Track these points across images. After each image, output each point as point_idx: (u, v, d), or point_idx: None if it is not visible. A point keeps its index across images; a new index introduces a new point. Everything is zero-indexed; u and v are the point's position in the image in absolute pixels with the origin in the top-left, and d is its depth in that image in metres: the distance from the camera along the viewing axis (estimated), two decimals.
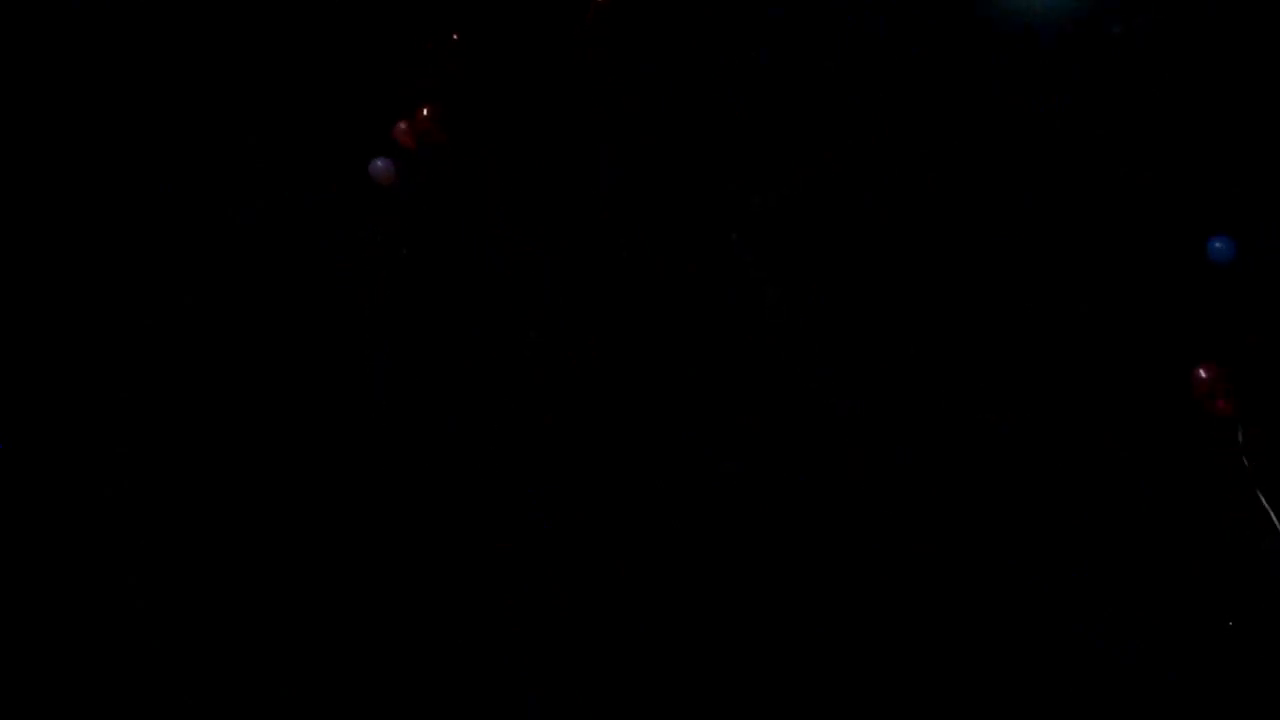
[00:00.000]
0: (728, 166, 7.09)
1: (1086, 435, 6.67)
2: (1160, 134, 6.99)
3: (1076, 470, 6.62)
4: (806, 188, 7.03)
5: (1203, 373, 6.25)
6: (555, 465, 6.72)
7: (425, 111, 7.19)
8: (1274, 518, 6.07)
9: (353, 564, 6.64)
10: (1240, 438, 6.27)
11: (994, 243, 6.99)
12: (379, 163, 6.90)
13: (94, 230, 7.34)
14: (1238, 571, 6.21)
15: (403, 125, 7.16)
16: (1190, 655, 6.19)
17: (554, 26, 7.32)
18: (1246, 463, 6.22)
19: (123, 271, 7.29)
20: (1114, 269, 6.92)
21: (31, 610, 6.66)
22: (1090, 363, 6.81)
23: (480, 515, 6.70)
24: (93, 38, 7.45)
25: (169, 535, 6.83)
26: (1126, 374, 6.73)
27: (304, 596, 6.62)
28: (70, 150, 7.39)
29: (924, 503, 6.65)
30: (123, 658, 6.60)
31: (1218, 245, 6.58)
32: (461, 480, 6.76)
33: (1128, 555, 6.43)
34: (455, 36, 7.49)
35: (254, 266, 7.31)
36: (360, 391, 6.96)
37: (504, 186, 7.17)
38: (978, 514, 6.60)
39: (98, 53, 7.45)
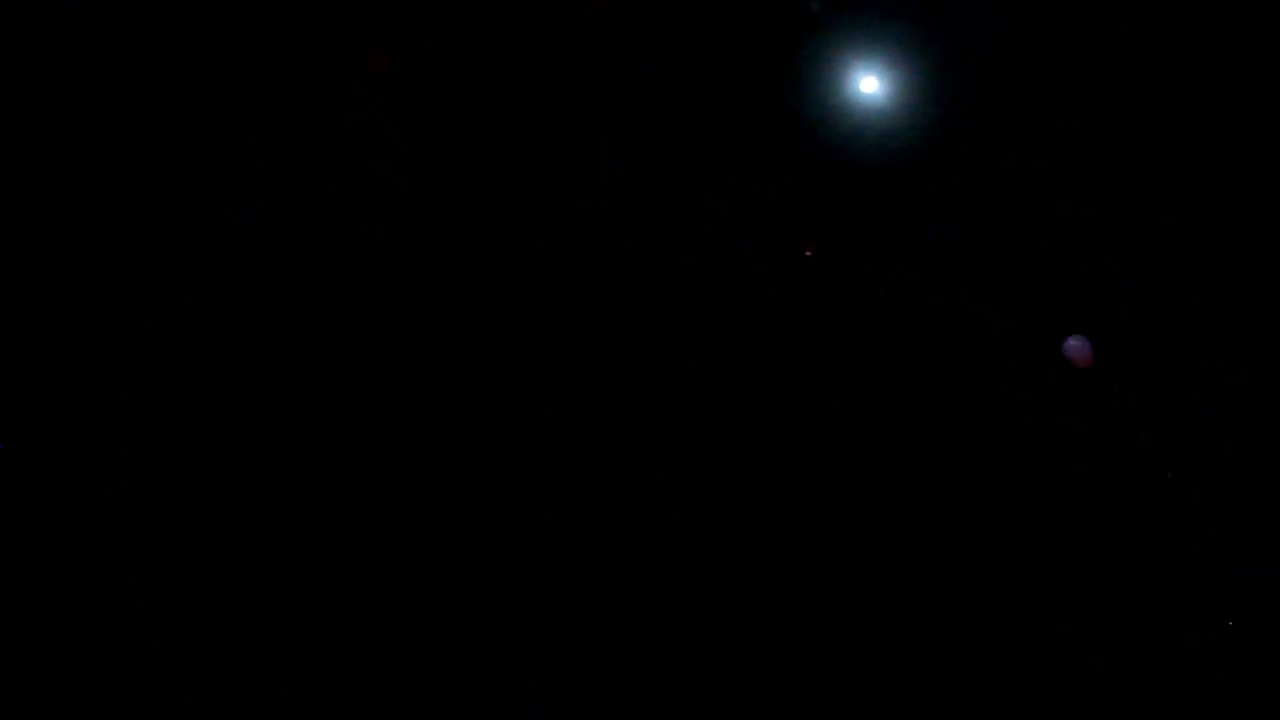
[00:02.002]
0: (728, 157, 7.10)
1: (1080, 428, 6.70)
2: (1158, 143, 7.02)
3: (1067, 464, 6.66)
4: (806, 178, 7.05)
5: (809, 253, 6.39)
6: (555, 456, 6.71)
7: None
8: None
9: (352, 555, 6.63)
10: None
11: (993, 232, 7.00)
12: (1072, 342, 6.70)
13: (94, 230, 7.33)
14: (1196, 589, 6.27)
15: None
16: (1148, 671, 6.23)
17: (554, 18, 7.33)
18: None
19: (123, 271, 7.27)
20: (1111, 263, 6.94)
21: (32, 610, 6.63)
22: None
23: (480, 505, 6.68)
24: (93, 37, 7.46)
25: (169, 535, 6.81)
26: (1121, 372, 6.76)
27: (304, 589, 6.60)
28: (70, 150, 7.39)
29: (925, 496, 6.65)
30: (123, 658, 6.57)
31: None
32: (461, 470, 6.74)
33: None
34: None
35: (254, 266, 7.30)
36: (360, 383, 6.95)
37: (504, 177, 7.18)
38: (977, 510, 6.61)
39: (98, 53, 7.45)
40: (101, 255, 7.29)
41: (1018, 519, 6.58)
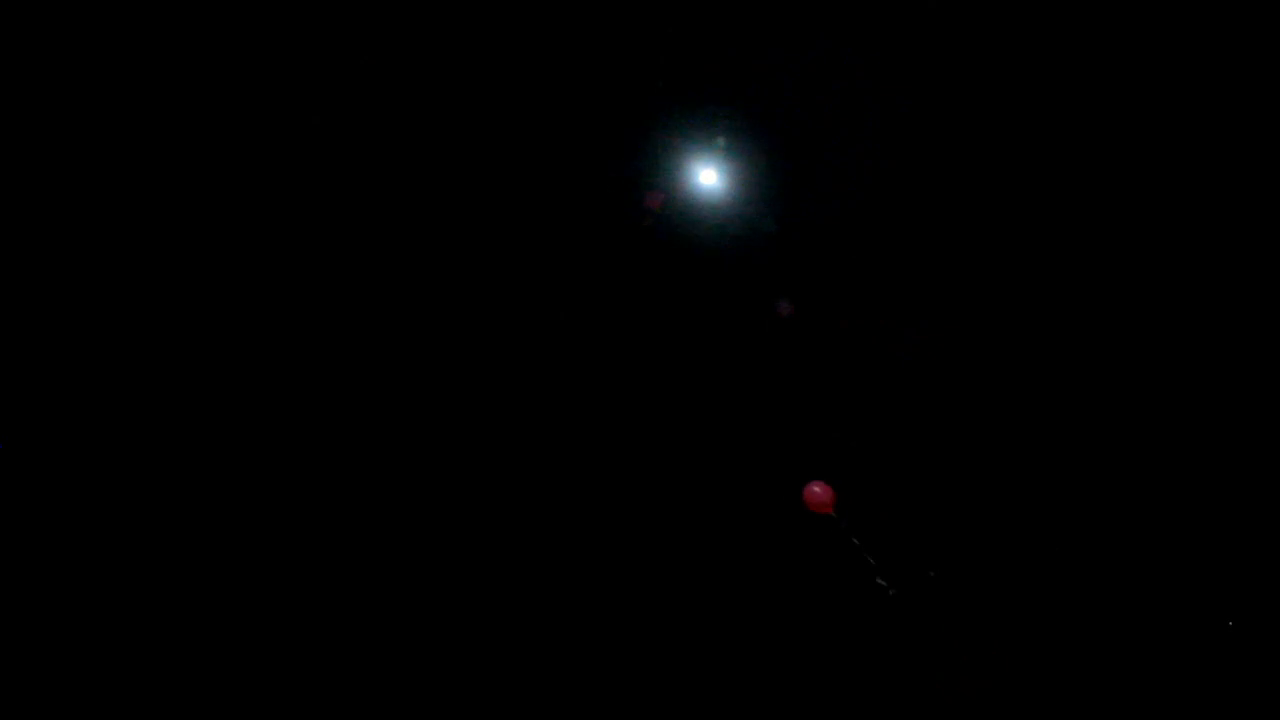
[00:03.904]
0: (726, 159, 7.11)
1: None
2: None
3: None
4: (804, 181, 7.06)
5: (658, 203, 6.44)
6: (556, 457, 6.73)
7: None
8: None
9: (353, 557, 6.64)
10: None
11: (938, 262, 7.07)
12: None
13: (94, 230, 7.34)
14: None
15: None
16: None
17: (554, 18, 7.34)
18: None
19: (123, 271, 7.28)
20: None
21: (32, 610, 6.64)
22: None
23: (480, 507, 6.69)
24: (93, 38, 7.47)
25: (169, 535, 6.81)
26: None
27: (305, 591, 6.60)
28: (70, 150, 7.39)
29: (925, 499, 6.68)
30: (123, 658, 6.57)
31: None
32: (462, 471, 6.75)
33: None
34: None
35: (254, 266, 7.31)
36: (361, 383, 6.96)
37: (503, 177, 7.19)
38: (949, 525, 6.65)
39: (98, 53, 7.46)
40: (102, 255, 7.29)
41: (986, 534, 6.62)
